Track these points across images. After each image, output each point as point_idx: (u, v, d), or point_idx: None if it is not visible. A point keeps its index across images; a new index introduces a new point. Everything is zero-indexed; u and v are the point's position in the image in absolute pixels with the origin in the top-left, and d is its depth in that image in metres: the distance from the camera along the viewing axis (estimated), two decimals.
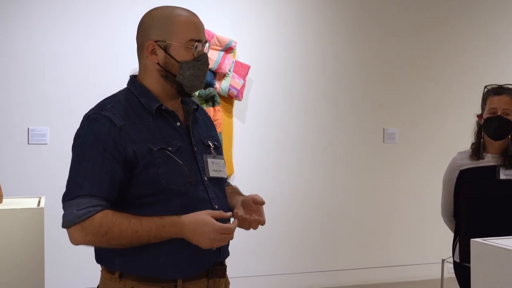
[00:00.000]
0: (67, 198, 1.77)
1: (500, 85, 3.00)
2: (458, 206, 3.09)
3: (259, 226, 1.97)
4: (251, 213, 1.94)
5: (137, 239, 1.75)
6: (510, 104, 2.90)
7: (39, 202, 2.69)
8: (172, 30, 1.85)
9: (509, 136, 2.95)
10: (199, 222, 1.76)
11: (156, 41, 1.86)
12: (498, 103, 2.92)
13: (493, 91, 2.97)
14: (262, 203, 1.95)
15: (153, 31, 1.87)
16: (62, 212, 1.80)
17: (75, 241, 1.78)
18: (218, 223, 1.77)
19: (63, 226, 1.77)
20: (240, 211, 1.94)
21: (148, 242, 1.76)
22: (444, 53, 5.71)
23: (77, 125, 1.88)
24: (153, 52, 1.87)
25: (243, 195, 2.04)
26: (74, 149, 1.84)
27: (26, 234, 2.42)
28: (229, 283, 2.03)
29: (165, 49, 1.86)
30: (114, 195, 1.78)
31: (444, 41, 5.71)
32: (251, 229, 1.99)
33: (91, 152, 1.77)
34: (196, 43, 1.87)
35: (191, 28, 1.88)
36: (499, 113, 2.91)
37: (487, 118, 2.95)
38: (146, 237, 1.75)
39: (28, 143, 4.52)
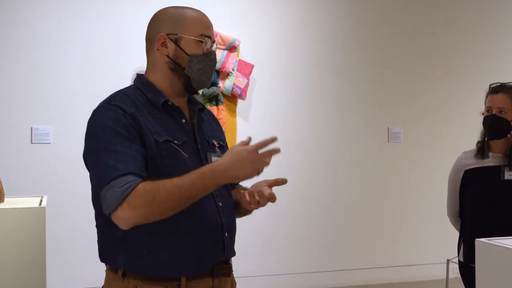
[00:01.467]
0: (104, 183, 1.70)
1: (503, 83, 2.98)
2: (463, 205, 3.07)
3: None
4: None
5: (185, 195, 1.70)
6: (506, 102, 2.89)
7: (41, 201, 2.68)
8: (184, 24, 1.89)
9: (508, 135, 2.93)
10: (234, 154, 1.73)
11: (167, 34, 1.89)
12: (493, 101, 2.92)
13: (492, 90, 2.97)
14: (284, 181, 1.96)
15: (165, 25, 1.90)
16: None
17: (125, 222, 1.70)
18: (249, 146, 1.75)
19: (110, 210, 1.69)
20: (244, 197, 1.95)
21: (196, 197, 1.72)
22: (449, 52, 5.69)
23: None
24: (164, 44, 1.89)
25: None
26: (94, 140, 1.78)
27: (28, 233, 2.41)
28: (235, 283, 2.01)
29: (176, 42, 1.88)
30: (147, 172, 1.75)
31: (449, 40, 5.69)
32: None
33: (115, 136, 1.74)
34: (206, 38, 1.91)
35: (202, 24, 1.92)
36: (493, 112, 2.90)
37: (484, 117, 2.96)
38: (193, 190, 1.71)
39: (31, 143, 4.52)
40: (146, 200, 1.67)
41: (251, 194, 1.92)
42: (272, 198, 1.89)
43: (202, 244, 1.81)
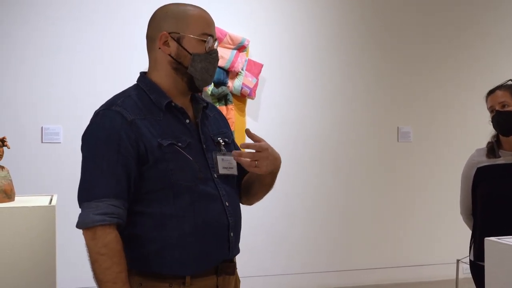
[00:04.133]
0: (84, 199, 1.77)
1: (497, 85, 3.03)
2: (475, 203, 3.06)
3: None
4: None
5: (98, 280, 1.75)
6: (506, 96, 2.93)
7: (51, 200, 2.69)
8: (186, 22, 1.86)
9: None
10: None
11: (169, 33, 1.86)
12: (493, 100, 2.96)
13: (488, 92, 3.03)
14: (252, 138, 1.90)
15: (167, 23, 1.87)
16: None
17: (86, 243, 1.78)
18: None
19: (77, 226, 1.77)
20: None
21: None
22: (459, 51, 5.66)
23: None
24: (166, 43, 1.87)
25: None
26: (86, 146, 1.83)
27: (38, 232, 2.41)
28: (239, 281, 2.01)
29: (178, 41, 1.86)
30: (131, 193, 1.78)
31: (459, 40, 5.66)
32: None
33: (105, 149, 1.76)
34: (209, 37, 1.88)
35: (204, 22, 1.89)
36: (497, 109, 2.93)
37: (492, 117, 2.98)
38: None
39: (42, 142, 4.55)
40: (100, 250, 1.72)
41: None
42: (256, 153, 1.87)
43: (207, 244, 1.82)
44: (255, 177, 2.00)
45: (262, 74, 5.01)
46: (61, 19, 4.61)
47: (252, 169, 1.87)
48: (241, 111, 4.98)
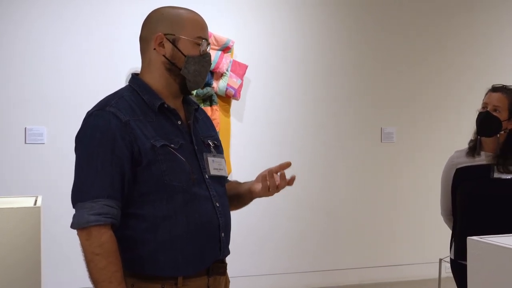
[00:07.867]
0: (79, 199, 1.77)
1: (504, 85, 3.01)
2: (454, 204, 3.10)
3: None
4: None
5: (95, 279, 1.76)
6: (503, 101, 2.91)
7: (35, 201, 2.68)
8: (182, 25, 1.89)
9: (497, 135, 2.94)
10: None
11: (165, 34, 1.88)
12: (491, 99, 2.94)
13: (492, 88, 2.99)
14: (288, 164, 2.06)
15: (162, 25, 1.89)
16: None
17: (81, 244, 1.78)
18: None
19: (72, 226, 1.77)
20: (257, 184, 2.01)
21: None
22: (442, 52, 5.71)
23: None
24: (161, 44, 1.89)
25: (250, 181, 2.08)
26: (80, 147, 1.82)
27: (23, 233, 2.40)
28: (229, 281, 2.03)
29: (174, 42, 1.88)
30: (124, 193, 1.79)
31: (442, 40, 5.72)
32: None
33: (100, 149, 1.77)
34: (203, 40, 1.91)
35: (199, 26, 1.92)
36: (488, 109, 2.92)
37: (478, 113, 2.97)
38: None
39: (25, 143, 4.52)
40: (94, 250, 1.73)
41: (266, 178, 2.00)
42: (292, 181, 2.05)
43: (199, 245, 1.83)
44: (236, 193, 2.07)
45: (247, 75, 5.03)
46: (46, 19, 4.59)
47: (270, 191, 2.02)
48: (226, 112, 4.99)
